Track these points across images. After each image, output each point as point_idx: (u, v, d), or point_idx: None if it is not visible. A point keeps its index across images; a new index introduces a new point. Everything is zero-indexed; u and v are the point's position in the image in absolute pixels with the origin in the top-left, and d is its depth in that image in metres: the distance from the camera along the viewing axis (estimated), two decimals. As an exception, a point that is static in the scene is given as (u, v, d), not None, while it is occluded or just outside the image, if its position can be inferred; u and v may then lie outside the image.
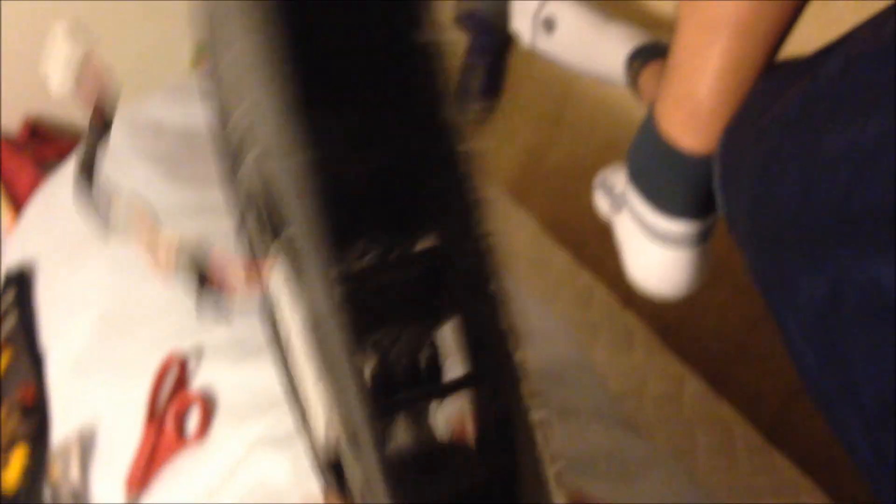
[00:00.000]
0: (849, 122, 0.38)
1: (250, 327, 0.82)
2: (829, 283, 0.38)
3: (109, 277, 0.95)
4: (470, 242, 0.20)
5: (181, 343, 0.85)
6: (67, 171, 1.20)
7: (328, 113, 0.19)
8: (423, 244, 0.21)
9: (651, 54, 1.08)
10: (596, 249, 1.26)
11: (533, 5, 1.29)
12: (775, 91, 0.53)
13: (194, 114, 1.08)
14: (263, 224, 0.24)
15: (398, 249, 0.21)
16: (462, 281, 0.21)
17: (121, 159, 1.04)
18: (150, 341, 0.87)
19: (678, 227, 0.69)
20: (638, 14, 1.34)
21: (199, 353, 0.85)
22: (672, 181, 0.67)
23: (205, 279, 0.25)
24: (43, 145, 1.75)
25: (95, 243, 0.98)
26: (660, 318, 1.16)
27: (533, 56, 1.36)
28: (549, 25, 1.26)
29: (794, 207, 0.41)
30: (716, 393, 0.95)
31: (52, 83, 0.23)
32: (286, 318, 0.24)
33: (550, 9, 1.26)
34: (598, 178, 0.89)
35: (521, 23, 1.31)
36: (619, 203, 0.78)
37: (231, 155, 0.26)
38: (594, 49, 1.18)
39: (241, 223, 0.27)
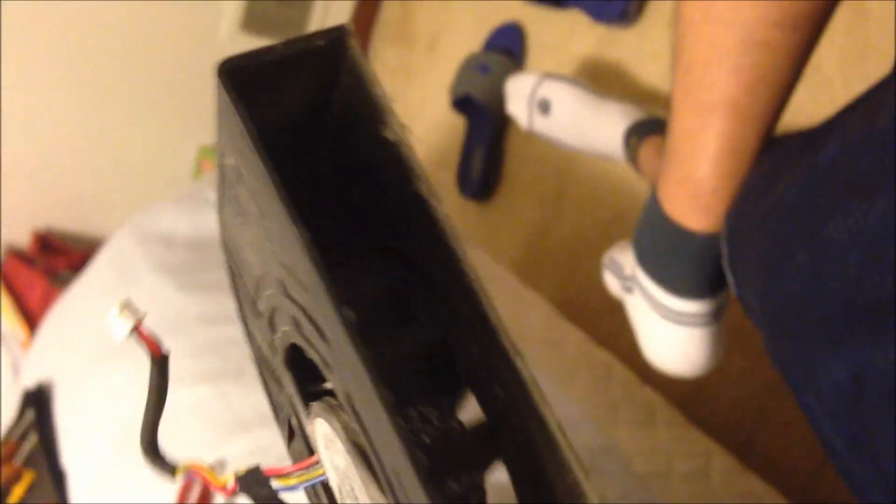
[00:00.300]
0: (852, 208, 0.39)
1: (272, 436, 0.82)
2: (849, 369, 0.38)
3: (127, 392, 0.95)
4: (468, 321, 0.21)
5: (203, 456, 0.84)
6: (80, 285, 1.21)
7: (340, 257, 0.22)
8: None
9: (647, 130, 1.10)
10: (609, 324, 1.26)
11: (527, 88, 1.31)
12: (775, 170, 0.54)
13: (203, 222, 1.10)
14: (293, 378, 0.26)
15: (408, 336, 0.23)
16: (469, 357, 0.23)
17: (133, 272, 1.05)
18: (171, 455, 0.86)
19: (691, 306, 0.69)
20: (631, 89, 1.36)
21: (222, 465, 0.84)
22: (680, 261, 0.67)
23: (260, 480, 0.26)
24: (53, 257, 1.77)
25: (111, 358, 0.98)
26: (678, 389, 1.15)
27: (531, 136, 1.38)
28: (544, 107, 1.28)
29: (806, 293, 0.42)
30: (744, 466, 0.93)
31: (114, 336, 0.26)
32: (333, 469, 0.25)
33: (544, 91, 1.28)
34: (606, 258, 0.90)
35: (517, 106, 1.33)
36: (629, 284, 0.78)
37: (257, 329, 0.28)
38: (591, 127, 1.20)
39: (275, 398, 0.29)
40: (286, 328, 0.24)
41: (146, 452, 0.28)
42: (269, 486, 0.27)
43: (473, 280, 0.21)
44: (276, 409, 0.31)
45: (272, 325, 0.26)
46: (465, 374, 0.23)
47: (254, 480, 0.27)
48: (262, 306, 0.26)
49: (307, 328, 0.22)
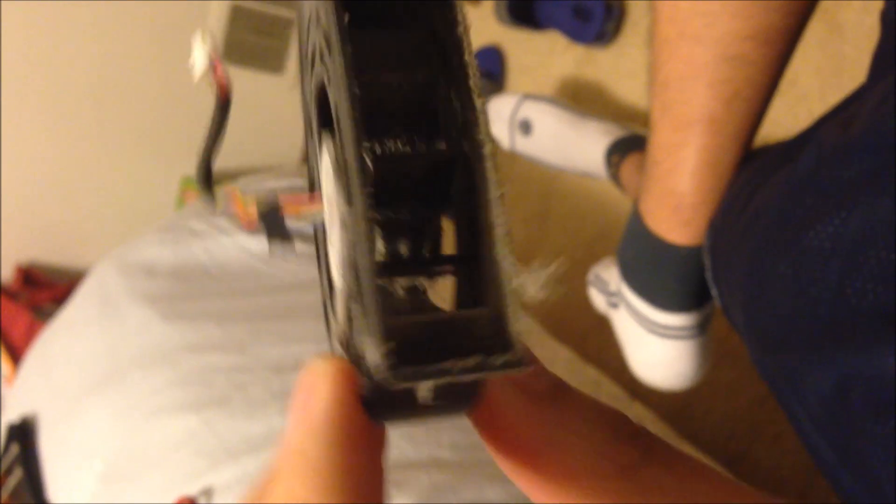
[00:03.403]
0: (831, 216, 0.39)
1: (258, 463, 0.81)
2: (835, 377, 0.38)
3: (111, 425, 0.94)
4: (472, 148, 0.23)
5: (189, 486, 0.83)
6: (63, 318, 1.20)
7: (370, 36, 0.23)
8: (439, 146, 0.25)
9: (628, 147, 1.10)
10: (596, 341, 1.26)
11: (508, 109, 1.32)
12: (755, 182, 0.54)
13: (185, 252, 1.09)
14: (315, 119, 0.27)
15: (416, 145, 0.24)
16: (463, 181, 0.24)
17: (115, 303, 1.04)
18: (157, 487, 0.85)
19: (676, 319, 0.69)
20: (611, 107, 1.37)
21: (209, 495, 0.83)
22: (664, 275, 0.67)
23: (277, 215, 0.27)
24: (37, 291, 1.76)
25: (95, 392, 0.97)
26: (668, 404, 1.15)
27: (514, 156, 1.39)
28: (525, 128, 1.29)
29: (789, 303, 0.42)
30: (736, 479, 0.93)
31: (195, 72, 0.27)
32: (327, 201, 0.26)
33: (525, 111, 1.29)
34: (591, 275, 0.90)
35: (498, 127, 1.34)
36: (614, 300, 0.78)
37: (303, 68, 0.30)
38: (572, 147, 1.20)
39: (308, 128, 0.30)
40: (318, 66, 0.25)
41: (198, 180, 0.29)
42: (284, 225, 0.27)
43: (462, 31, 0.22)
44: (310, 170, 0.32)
45: (312, 70, 0.27)
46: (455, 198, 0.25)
47: (273, 218, 0.27)
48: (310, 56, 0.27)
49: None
